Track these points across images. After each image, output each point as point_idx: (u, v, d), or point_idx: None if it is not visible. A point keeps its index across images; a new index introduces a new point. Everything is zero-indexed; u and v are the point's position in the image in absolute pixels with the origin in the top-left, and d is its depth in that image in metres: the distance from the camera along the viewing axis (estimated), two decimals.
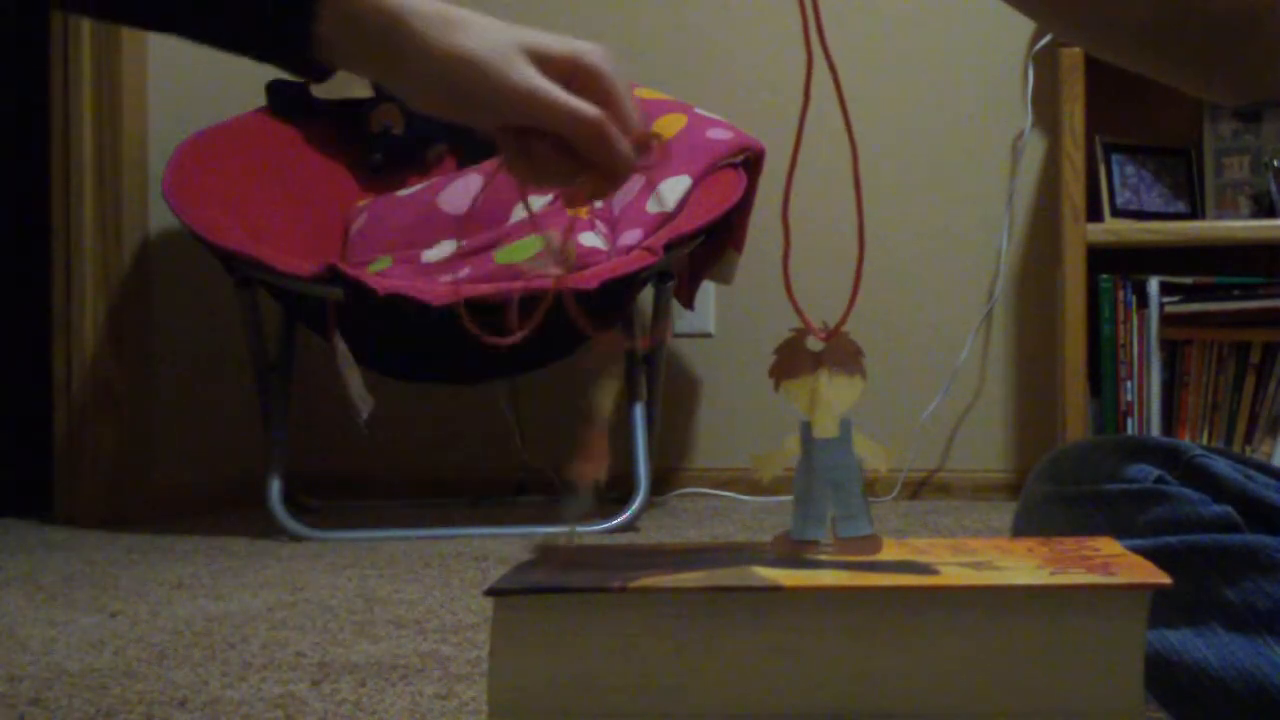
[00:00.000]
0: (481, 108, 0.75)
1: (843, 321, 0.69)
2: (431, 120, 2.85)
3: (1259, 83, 0.90)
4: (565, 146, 0.75)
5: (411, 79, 0.75)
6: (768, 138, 2.51)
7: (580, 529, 2.24)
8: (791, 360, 0.69)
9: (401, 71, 0.75)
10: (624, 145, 0.75)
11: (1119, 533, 0.78)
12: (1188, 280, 2.52)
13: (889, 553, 0.69)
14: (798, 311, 0.71)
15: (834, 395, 0.69)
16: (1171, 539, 0.82)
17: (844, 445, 0.68)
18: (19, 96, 2.97)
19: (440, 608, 1.58)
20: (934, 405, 2.74)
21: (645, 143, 0.77)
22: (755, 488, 2.70)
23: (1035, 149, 2.75)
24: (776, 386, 0.70)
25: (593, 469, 0.71)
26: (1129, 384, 2.52)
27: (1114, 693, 0.60)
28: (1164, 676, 0.80)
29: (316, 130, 2.74)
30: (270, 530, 2.24)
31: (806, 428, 0.69)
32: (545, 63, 0.75)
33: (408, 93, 0.76)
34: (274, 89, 2.72)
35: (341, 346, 2.20)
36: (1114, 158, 2.62)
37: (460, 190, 2.56)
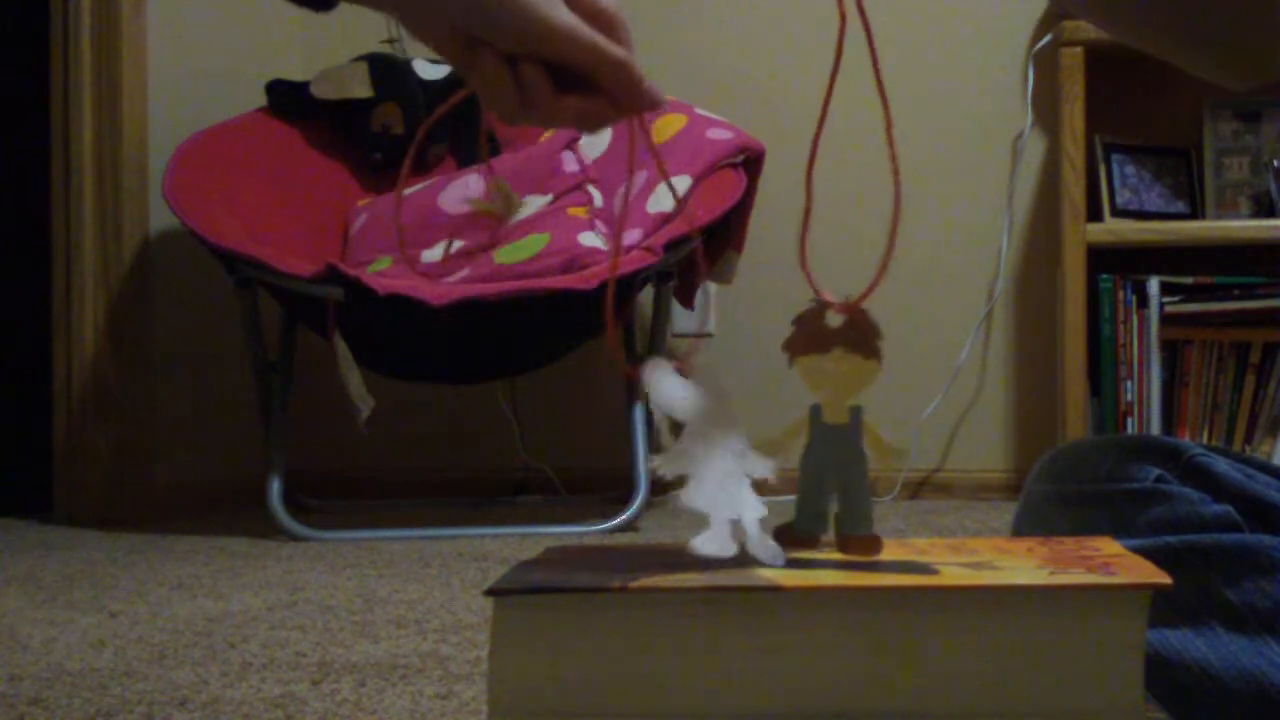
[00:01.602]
0: (505, 30, 0.74)
1: (866, 294, 0.65)
2: (432, 121, 2.85)
3: (1267, 65, 0.90)
4: (555, 78, 0.76)
5: None
6: (768, 138, 2.50)
7: (580, 529, 2.25)
8: (809, 334, 0.66)
9: None
10: (650, 85, 0.77)
11: (1119, 533, 0.78)
12: (1188, 280, 2.52)
13: (889, 553, 0.68)
14: (811, 284, 0.68)
15: (848, 377, 0.66)
16: (1171, 539, 0.82)
17: (853, 433, 0.67)
18: (19, 97, 2.97)
19: (440, 608, 1.58)
20: (934, 405, 2.74)
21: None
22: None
23: (1035, 149, 2.75)
24: (790, 362, 0.66)
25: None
26: (1129, 384, 2.52)
27: (1114, 693, 0.60)
28: (1164, 676, 0.80)
29: (316, 130, 2.74)
30: (270, 530, 2.24)
31: (817, 411, 0.67)
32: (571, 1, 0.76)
33: (421, 4, 0.76)
34: (274, 89, 2.72)
35: (341, 346, 2.20)
36: (1114, 158, 2.62)
37: (460, 190, 2.56)
